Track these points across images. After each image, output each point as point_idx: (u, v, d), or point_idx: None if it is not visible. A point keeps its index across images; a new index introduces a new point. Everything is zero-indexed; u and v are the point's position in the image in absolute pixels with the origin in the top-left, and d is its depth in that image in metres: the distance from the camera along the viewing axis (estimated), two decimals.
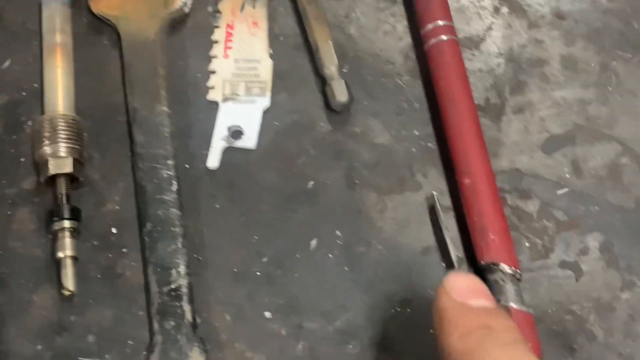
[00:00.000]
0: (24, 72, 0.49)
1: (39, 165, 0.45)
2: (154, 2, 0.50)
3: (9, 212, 0.45)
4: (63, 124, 0.45)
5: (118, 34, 0.50)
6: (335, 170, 0.47)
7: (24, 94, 0.48)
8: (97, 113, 0.48)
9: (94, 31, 0.50)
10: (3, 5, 0.50)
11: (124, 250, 0.44)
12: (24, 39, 0.50)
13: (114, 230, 0.45)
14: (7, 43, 0.50)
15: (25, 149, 0.47)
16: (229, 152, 0.47)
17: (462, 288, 0.33)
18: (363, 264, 0.45)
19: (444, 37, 0.48)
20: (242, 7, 0.51)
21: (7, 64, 0.49)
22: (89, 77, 0.49)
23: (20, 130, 0.47)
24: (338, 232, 0.45)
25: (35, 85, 0.48)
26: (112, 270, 0.44)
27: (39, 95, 0.48)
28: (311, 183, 0.46)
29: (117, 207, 0.45)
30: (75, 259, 0.43)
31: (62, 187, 0.44)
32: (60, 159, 0.44)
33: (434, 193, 0.45)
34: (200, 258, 0.44)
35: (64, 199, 0.44)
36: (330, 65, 0.48)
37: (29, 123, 0.47)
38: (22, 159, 0.46)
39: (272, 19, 0.51)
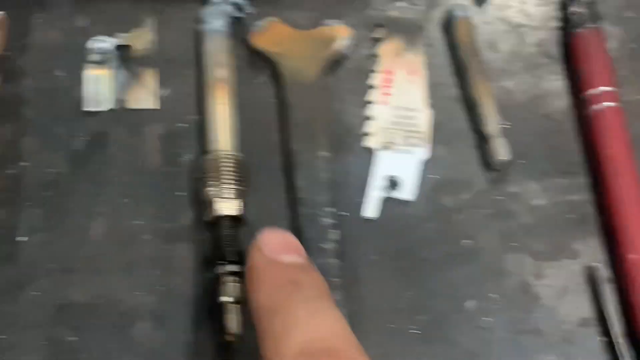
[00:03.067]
0: (183, 103, 0.49)
1: (204, 203, 0.45)
2: (316, 41, 0.50)
3: (167, 247, 0.45)
4: (230, 163, 0.45)
5: (276, 72, 0.49)
6: (491, 230, 0.47)
7: (183, 125, 0.48)
8: (254, 153, 0.47)
9: (252, 66, 0.50)
10: (162, 33, 0.50)
11: None
12: (182, 69, 0.50)
13: None
14: (166, 71, 0.49)
15: (182, 183, 0.47)
16: (385, 202, 0.47)
17: (274, 244, 0.33)
18: (519, 331, 0.44)
19: (607, 104, 0.47)
20: (401, 53, 0.50)
21: (166, 93, 0.49)
22: (246, 114, 0.48)
23: (178, 164, 0.47)
24: (493, 295, 0.45)
25: (194, 117, 0.48)
26: None
27: (198, 128, 0.48)
28: (468, 242, 0.46)
29: None
30: (239, 303, 0.43)
31: (226, 228, 0.44)
32: (226, 200, 0.44)
33: (595, 265, 0.45)
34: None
35: (229, 241, 0.44)
36: (492, 123, 0.48)
37: (187, 157, 0.47)
38: (179, 193, 0.46)
39: (429, 67, 0.50)
